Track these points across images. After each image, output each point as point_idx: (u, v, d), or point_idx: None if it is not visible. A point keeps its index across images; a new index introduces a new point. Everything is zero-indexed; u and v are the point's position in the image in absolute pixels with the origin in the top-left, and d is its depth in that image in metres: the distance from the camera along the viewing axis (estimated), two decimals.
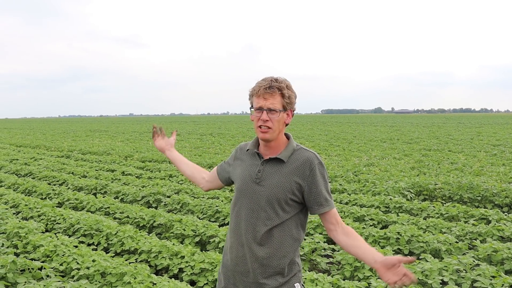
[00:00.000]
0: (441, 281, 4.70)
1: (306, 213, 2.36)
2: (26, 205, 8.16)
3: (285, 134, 2.36)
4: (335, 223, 2.30)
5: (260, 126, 2.24)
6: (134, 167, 14.02)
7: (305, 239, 5.92)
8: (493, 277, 4.63)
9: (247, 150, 2.41)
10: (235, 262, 2.30)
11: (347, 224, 6.43)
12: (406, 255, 5.70)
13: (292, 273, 2.30)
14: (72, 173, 12.87)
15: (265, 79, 2.25)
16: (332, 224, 2.30)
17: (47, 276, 4.85)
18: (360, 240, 2.25)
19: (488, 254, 5.31)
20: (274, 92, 2.21)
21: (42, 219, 7.43)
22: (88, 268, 4.90)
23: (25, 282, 4.59)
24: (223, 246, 5.82)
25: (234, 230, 2.33)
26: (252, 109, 2.28)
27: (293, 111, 2.32)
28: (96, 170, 13.21)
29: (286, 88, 2.24)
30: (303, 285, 2.37)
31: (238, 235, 2.29)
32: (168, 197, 9.00)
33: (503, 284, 4.41)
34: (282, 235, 2.26)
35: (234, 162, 2.48)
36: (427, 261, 5.08)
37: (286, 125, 2.31)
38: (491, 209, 7.94)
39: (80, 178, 11.39)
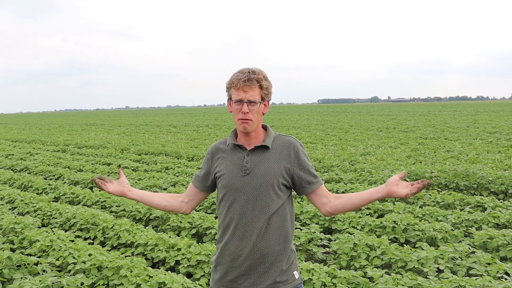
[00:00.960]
0: (436, 269, 4.72)
1: (292, 200, 2.42)
2: (22, 200, 8.14)
3: (262, 125, 2.40)
4: (327, 195, 2.40)
5: (240, 119, 2.26)
6: (131, 160, 14.00)
7: (301, 229, 5.92)
8: (488, 264, 4.65)
9: (228, 145, 2.38)
10: (234, 257, 2.29)
11: (343, 213, 6.44)
12: (402, 243, 5.72)
13: (290, 260, 2.34)
14: (68, 167, 12.84)
15: (242, 71, 2.26)
16: (325, 197, 2.40)
17: (44, 271, 4.85)
18: (352, 193, 2.39)
19: (483, 241, 5.33)
20: (253, 84, 2.24)
21: (38, 214, 7.41)
22: (84, 262, 4.90)
23: (21, 277, 4.59)
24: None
25: (228, 226, 2.32)
26: (231, 101, 2.29)
27: (269, 101, 2.36)
28: (92, 164, 13.19)
29: (264, 79, 2.27)
30: (299, 273, 2.40)
31: (235, 230, 2.29)
32: (165, 189, 9.00)
33: (498, 271, 4.43)
34: (280, 222, 2.30)
35: (213, 163, 2.42)
36: (423, 249, 5.10)
37: (263, 114, 2.34)
38: (486, 196, 7.97)
39: (76, 172, 11.38)
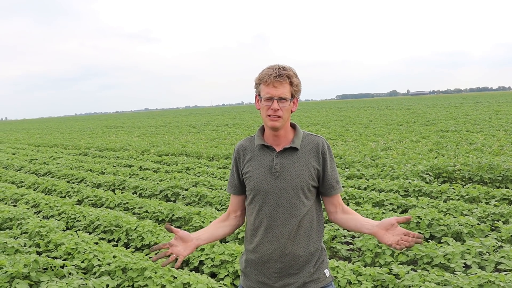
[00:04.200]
0: (464, 265, 4.64)
1: (320, 198, 2.39)
2: (46, 204, 8.25)
3: (290, 123, 2.34)
4: (337, 205, 2.37)
5: (269, 115, 2.19)
6: (151, 161, 14.09)
7: (324, 227, 5.88)
8: None
9: (256, 145, 2.31)
10: (265, 260, 2.27)
11: (366, 209, 6.38)
12: (427, 239, 5.65)
13: (321, 259, 2.32)
14: (90, 170, 12.99)
15: (272, 67, 2.20)
16: (335, 206, 2.37)
17: (69, 273, 4.91)
18: (357, 214, 2.37)
19: (511, 235, 5.23)
20: (284, 80, 2.17)
21: (62, 217, 7.51)
22: (109, 264, 4.94)
23: (48, 280, 4.64)
24: (242, 237, 5.82)
25: (258, 228, 2.28)
26: (261, 98, 2.22)
27: (298, 99, 2.29)
28: (113, 166, 13.32)
29: (294, 76, 2.22)
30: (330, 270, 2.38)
31: (265, 233, 2.26)
32: (186, 190, 9.03)
33: None
34: (309, 223, 2.27)
35: (240, 164, 2.36)
36: (449, 245, 5.02)
37: (291, 112, 2.27)
38: None
39: (98, 175, 11.49)
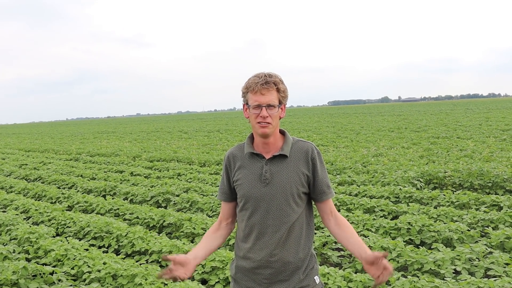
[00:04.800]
0: (454, 271, 4.66)
1: (311, 203, 2.39)
2: (36, 210, 8.20)
3: (280, 130, 2.34)
4: (329, 213, 2.36)
5: (259, 122, 2.20)
6: (143, 167, 14.05)
7: (315, 233, 5.89)
8: (507, 264, 4.59)
9: (245, 153, 2.32)
10: (255, 266, 2.27)
11: (357, 216, 6.40)
12: (417, 245, 5.67)
13: (310, 266, 2.32)
14: (81, 175, 12.91)
15: (258, 75, 2.21)
16: (326, 213, 2.37)
17: (59, 280, 4.87)
18: (349, 232, 2.32)
19: (501, 241, 5.26)
20: (271, 87, 2.19)
21: (52, 223, 7.45)
22: (99, 271, 4.91)
23: (37, 287, 4.61)
24: (233, 244, 5.81)
25: (248, 235, 2.29)
26: (249, 106, 2.23)
27: (285, 105, 2.30)
28: (104, 172, 13.25)
29: (281, 82, 2.23)
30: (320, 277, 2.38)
31: (256, 240, 2.26)
32: (177, 196, 9.00)
33: None
34: (299, 229, 2.27)
35: (231, 171, 2.36)
36: (439, 251, 5.05)
37: (280, 119, 2.28)
38: (502, 195, 7.87)
39: (89, 181, 11.44)
